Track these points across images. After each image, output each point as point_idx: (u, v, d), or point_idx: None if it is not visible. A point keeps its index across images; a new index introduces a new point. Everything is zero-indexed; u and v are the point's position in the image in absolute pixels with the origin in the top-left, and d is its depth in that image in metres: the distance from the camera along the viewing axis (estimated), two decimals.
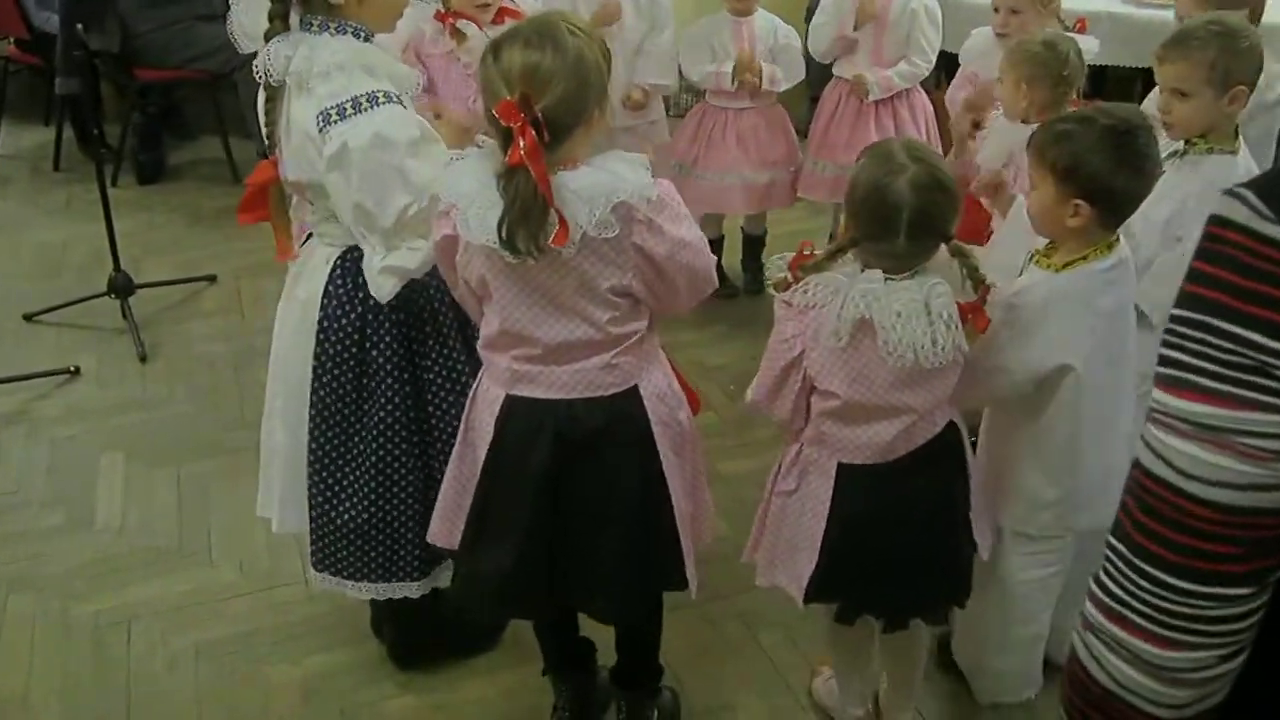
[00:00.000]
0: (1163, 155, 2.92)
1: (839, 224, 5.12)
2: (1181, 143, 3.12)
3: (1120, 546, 1.26)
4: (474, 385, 2.67)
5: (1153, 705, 1.25)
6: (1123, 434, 2.80)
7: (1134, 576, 1.24)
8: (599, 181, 2.31)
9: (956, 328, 2.44)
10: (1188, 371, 1.18)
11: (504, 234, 2.28)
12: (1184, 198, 3.02)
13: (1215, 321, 1.16)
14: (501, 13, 4.07)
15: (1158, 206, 2.97)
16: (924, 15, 4.78)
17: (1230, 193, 1.18)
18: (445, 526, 2.72)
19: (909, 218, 2.38)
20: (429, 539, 2.78)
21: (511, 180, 2.25)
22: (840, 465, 2.61)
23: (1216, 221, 1.20)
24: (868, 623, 2.81)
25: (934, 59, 4.85)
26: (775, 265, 2.57)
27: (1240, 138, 3.12)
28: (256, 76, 2.67)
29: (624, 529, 2.57)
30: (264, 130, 2.78)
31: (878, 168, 2.44)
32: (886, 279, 2.45)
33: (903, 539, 2.61)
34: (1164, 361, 1.20)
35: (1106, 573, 1.30)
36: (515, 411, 2.54)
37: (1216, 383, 1.15)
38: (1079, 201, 2.54)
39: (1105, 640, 1.28)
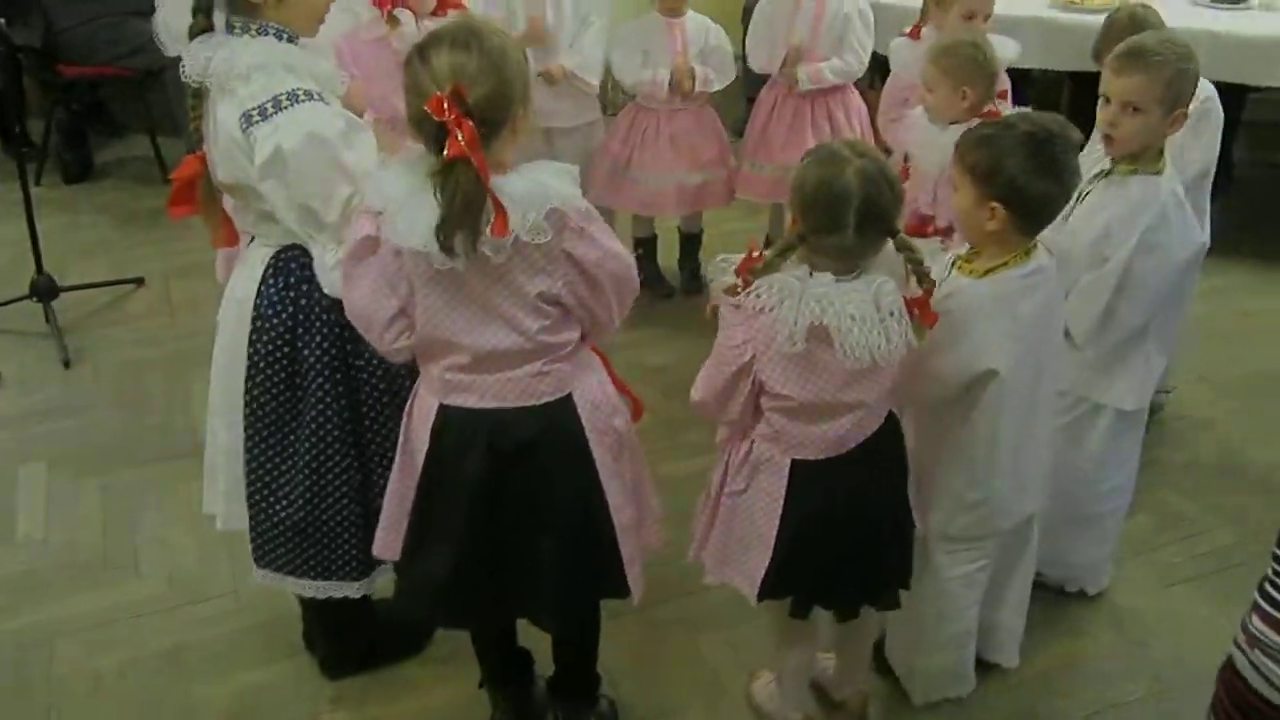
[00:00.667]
0: (1090, 173, 2.97)
1: (775, 224, 5.19)
2: (1107, 162, 3.14)
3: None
4: (411, 395, 2.67)
5: None
6: (1040, 438, 2.88)
7: None
8: (531, 188, 2.31)
9: (905, 320, 2.46)
10: None
11: (442, 235, 2.26)
12: (1110, 219, 3.06)
13: None
14: (443, 3, 4.09)
15: (1086, 227, 3.05)
16: (857, 18, 4.81)
17: None
18: (389, 537, 2.72)
19: (857, 208, 2.39)
20: (375, 553, 2.78)
21: (450, 175, 2.24)
22: (794, 461, 2.63)
23: None
24: (816, 613, 2.83)
25: (866, 60, 4.88)
26: (719, 268, 2.56)
27: (1166, 159, 3.13)
28: (181, 76, 2.65)
29: (561, 537, 2.57)
30: (190, 126, 2.76)
31: (824, 164, 2.46)
32: (837, 280, 2.46)
33: (857, 530, 2.66)
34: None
35: (1272, 583, 1.33)
36: (449, 421, 2.54)
37: None
38: (995, 204, 2.59)
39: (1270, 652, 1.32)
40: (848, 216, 2.39)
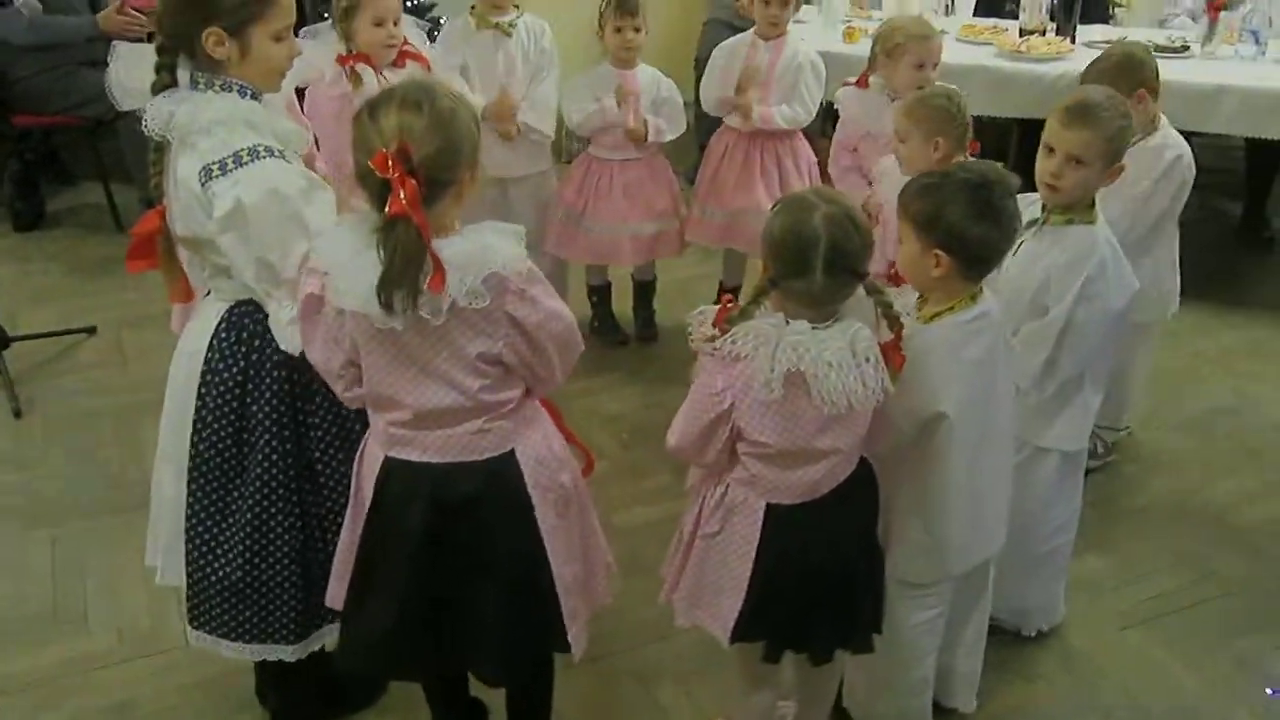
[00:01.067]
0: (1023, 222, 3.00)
1: (728, 270, 5.22)
2: (1038, 210, 3.19)
3: None
4: (361, 444, 2.67)
5: None
6: (994, 481, 2.90)
7: None
8: (471, 251, 2.32)
9: (881, 367, 2.49)
10: None
11: (382, 294, 2.27)
12: (1049, 268, 3.11)
13: None
14: (402, 55, 4.14)
15: (1024, 277, 3.09)
16: (809, 70, 4.85)
17: None
18: (339, 587, 2.72)
19: (824, 252, 2.42)
20: (327, 602, 2.78)
21: (391, 232, 2.25)
22: (768, 505, 2.65)
23: None
24: (784, 657, 2.84)
25: (814, 111, 4.92)
26: (696, 319, 2.58)
27: (1097, 209, 3.18)
28: (145, 130, 2.65)
29: (502, 592, 2.57)
30: (151, 180, 2.76)
31: (791, 210, 2.49)
32: (813, 327, 2.48)
33: (831, 574, 2.68)
34: None
35: None
36: (393, 474, 2.55)
37: None
38: (939, 252, 2.63)
39: None
40: (815, 260, 2.42)
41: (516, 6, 4.76)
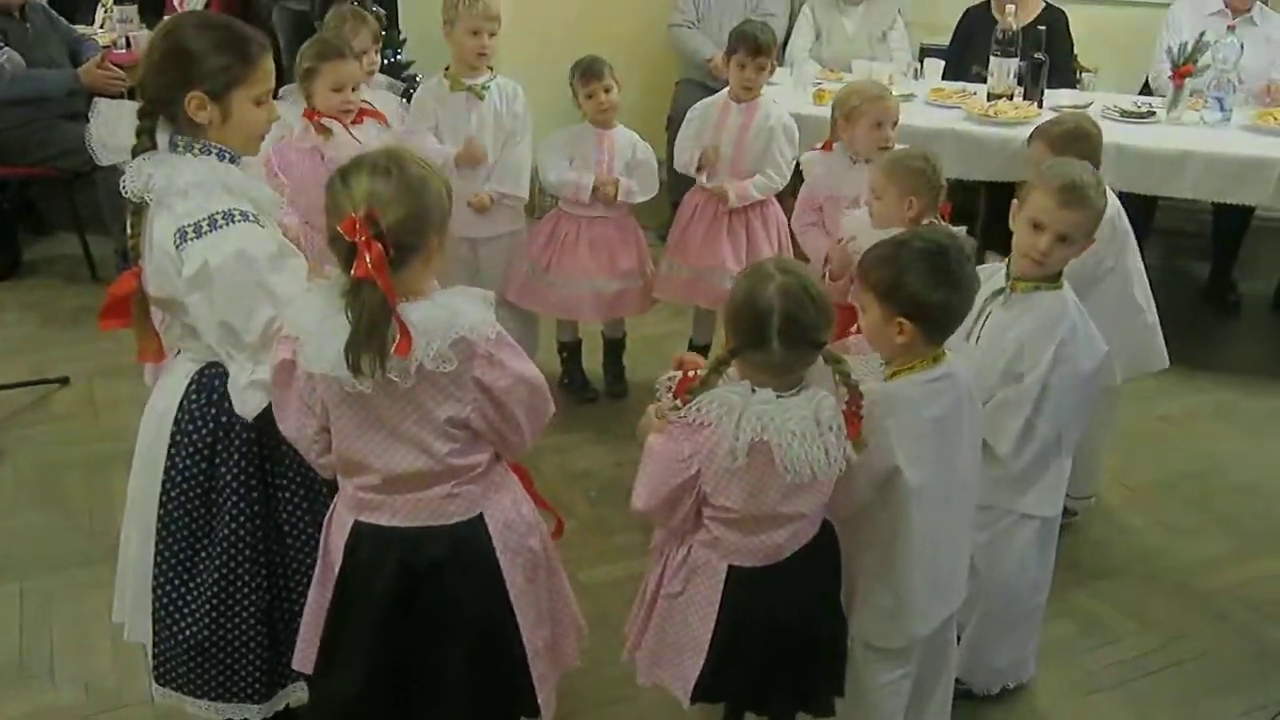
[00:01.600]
0: (987, 290, 3.05)
1: (698, 328, 5.25)
2: (1001, 279, 3.22)
3: None
4: (331, 507, 2.70)
5: None
6: (955, 541, 2.92)
7: None
8: (438, 316, 2.36)
9: (845, 436, 2.52)
10: None
11: (350, 357, 2.30)
12: (1021, 336, 3.15)
13: None
14: (361, 113, 4.18)
15: (995, 347, 3.13)
16: (781, 133, 4.90)
17: None
18: (307, 650, 2.72)
19: (779, 323, 2.46)
20: (295, 665, 2.78)
21: (357, 295, 2.29)
22: (730, 567, 2.67)
23: None
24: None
25: (788, 174, 4.96)
26: (662, 387, 2.61)
27: (1063, 274, 3.23)
28: (123, 191, 2.69)
29: (469, 657, 2.59)
30: (129, 241, 2.78)
31: (750, 280, 2.53)
32: (778, 396, 2.51)
33: (793, 636, 2.70)
34: None
35: None
36: (362, 538, 2.58)
37: None
38: (902, 320, 2.66)
39: None
40: (770, 332, 2.45)
41: (490, 69, 4.80)
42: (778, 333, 2.46)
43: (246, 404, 2.68)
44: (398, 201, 2.32)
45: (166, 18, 2.83)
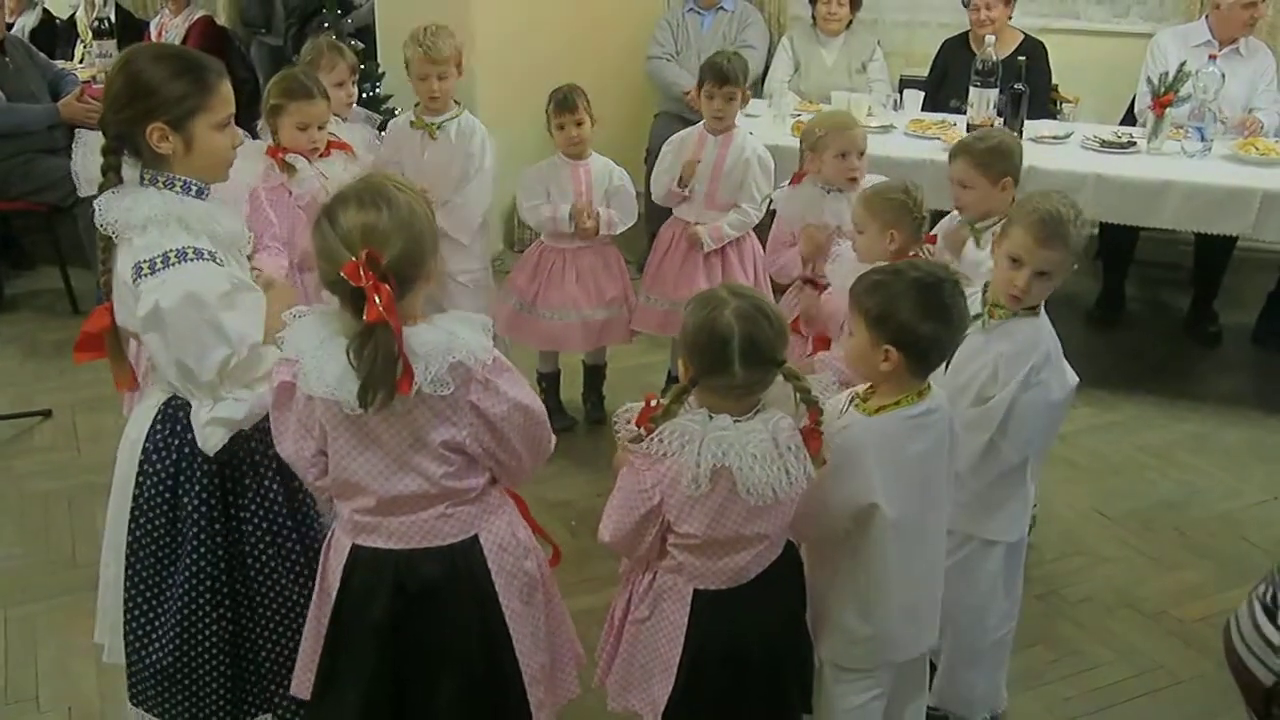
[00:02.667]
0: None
1: (676, 358, 5.26)
2: (979, 305, 3.23)
3: None
4: (329, 533, 2.70)
5: None
6: (931, 574, 2.93)
7: None
8: (436, 340, 2.36)
9: (804, 455, 2.54)
10: None
11: (364, 397, 2.31)
12: (996, 359, 3.16)
13: None
14: (329, 146, 4.19)
15: (967, 370, 3.15)
16: (756, 165, 4.93)
17: None
18: (305, 676, 2.73)
19: (739, 346, 2.48)
20: (293, 690, 2.79)
21: (370, 338, 2.29)
22: (696, 591, 2.69)
23: None
24: None
25: (764, 207, 4.97)
26: (622, 417, 2.64)
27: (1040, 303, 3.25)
28: (94, 224, 2.71)
29: (464, 679, 2.59)
30: (100, 277, 2.81)
31: (702, 308, 2.55)
32: (735, 421, 2.53)
33: (760, 657, 2.71)
34: None
35: None
36: (359, 561, 2.58)
37: None
38: (888, 347, 2.68)
39: None
40: (732, 355, 2.48)
41: (457, 103, 4.85)
42: (739, 355, 2.48)
43: (207, 440, 2.70)
44: (394, 236, 2.31)
45: (121, 52, 2.84)
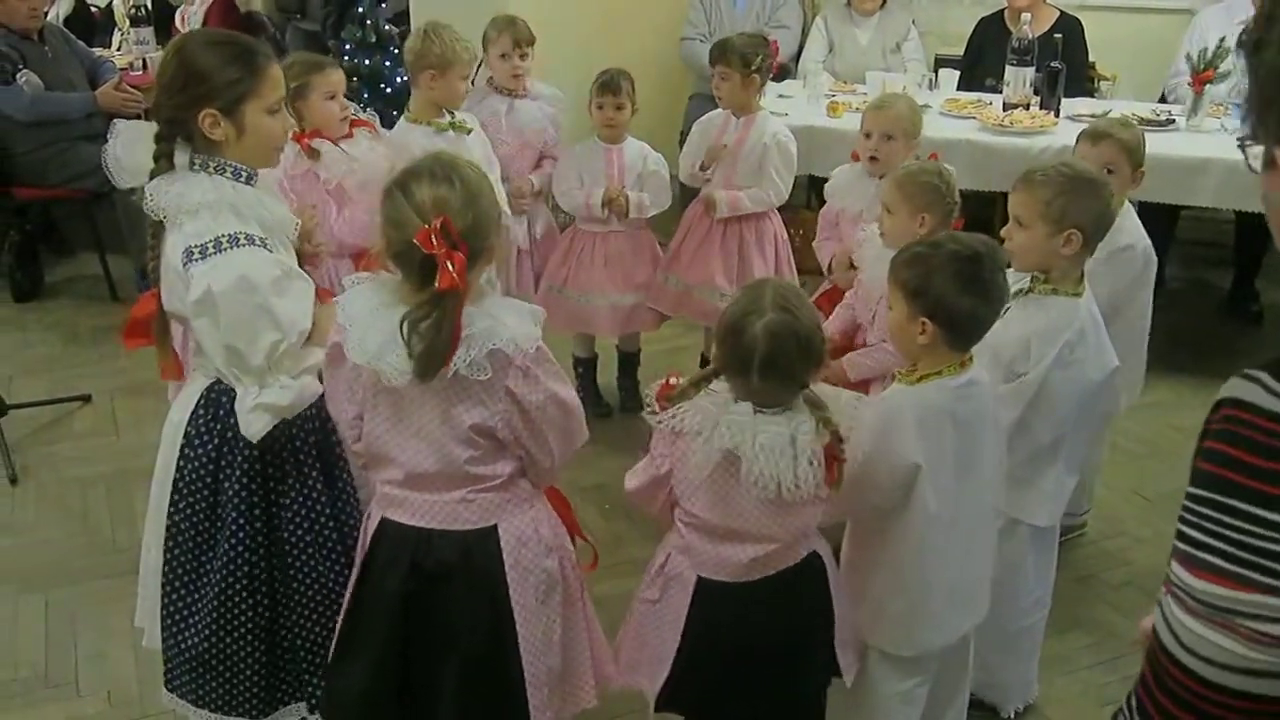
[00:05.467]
0: (1011, 290, 3.04)
1: (708, 342, 5.25)
2: (1027, 281, 3.22)
3: (1142, 704, 1.36)
4: (368, 510, 2.73)
5: None
6: (975, 554, 2.90)
7: None
8: (481, 325, 2.38)
9: (819, 466, 2.52)
10: (1201, 550, 1.29)
11: (423, 366, 2.34)
12: (1030, 334, 3.14)
13: (1231, 501, 1.26)
14: (352, 124, 4.17)
15: (1003, 342, 3.09)
16: (776, 152, 4.85)
17: (1245, 375, 1.31)
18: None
19: (759, 361, 2.48)
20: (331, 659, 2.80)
21: (436, 307, 2.32)
22: (700, 579, 2.69)
23: (1232, 404, 1.31)
24: None
25: (785, 193, 4.93)
26: (654, 389, 2.66)
27: (1085, 284, 3.24)
28: (145, 209, 2.71)
29: (465, 668, 2.59)
30: (149, 262, 2.82)
31: (743, 305, 2.55)
32: (756, 412, 2.53)
33: (749, 661, 2.70)
34: (1181, 537, 1.34)
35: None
36: (384, 534, 2.61)
37: (1227, 562, 1.26)
38: (925, 320, 2.67)
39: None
40: (751, 365, 2.48)
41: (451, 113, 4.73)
42: (758, 369, 2.49)
43: (251, 426, 2.70)
44: (464, 207, 2.35)
45: (174, 38, 2.86)
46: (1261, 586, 1.22)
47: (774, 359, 2.48)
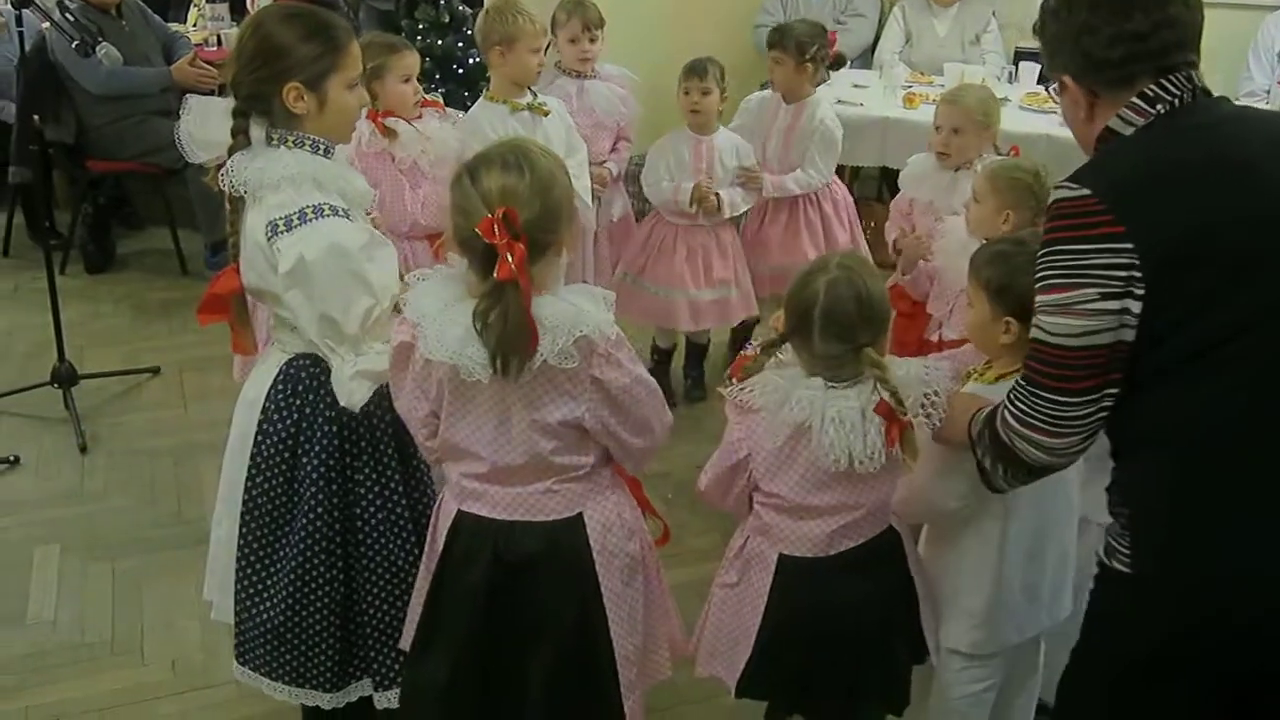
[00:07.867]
0: None
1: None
2: None
3: (1024, 384, 2.23)
4: (439, 498, 2.71)
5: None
6: (1057, 550, 2.86)
7: (1031, 399, 2.21)
8: (564, 312, 2.36)
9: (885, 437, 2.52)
10: (1050, 278, 2.14)
11: (498, 360, 2.32)
12: None
13: (1061, 247, 2.12)
14: (423, 104, 4.20)
15: None
16: (818, 138, 4.87)
17: (1058, 185, 2.16)
18: (411, 631, 2.75)
19: (819, 316, 2.48)
20: (401, 644, 2.81)
21: (498, 299, 2.30)
22: (781, 557, 2.68)
23: (1055, 201, 2.15)
24: None
25: (828, 176, 4.97)
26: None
27: None
28: (221, 185, 2.72)
29: (555, 657, 2.58)
30: (229, 238, 2.83)
31: (809, 268, 2.58)
32: (829, 386, 2.52)
33: (840, 638, 2.67)
34: (1038, 278, 2.17)
35: (1015, 400, 2.24)
36: (462, 527, 2.59)
37: (1063, 278, 2.11)
38: (1009, 319, 2.63)
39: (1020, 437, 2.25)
40: (812, 323, 2.49)
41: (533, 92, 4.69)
42: (819, 325, 2.49)
43: (353, 395, 2.70)
44: (532, 199, 2.32)
45: (251, 13, 2.87)
46: (1080, 285, 2.08)
47: (833, 314, 2.48)
